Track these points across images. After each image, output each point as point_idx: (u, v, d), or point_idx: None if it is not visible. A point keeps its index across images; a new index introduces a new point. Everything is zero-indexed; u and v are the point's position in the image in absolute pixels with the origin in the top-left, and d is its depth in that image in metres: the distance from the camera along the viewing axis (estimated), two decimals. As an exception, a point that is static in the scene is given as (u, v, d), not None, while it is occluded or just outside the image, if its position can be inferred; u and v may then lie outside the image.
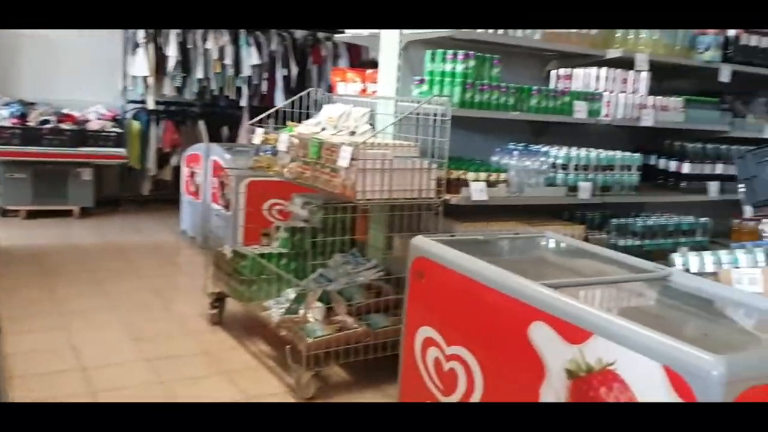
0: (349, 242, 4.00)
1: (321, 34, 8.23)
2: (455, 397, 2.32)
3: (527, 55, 4.04)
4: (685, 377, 1.64)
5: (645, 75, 4.03)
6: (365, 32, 4.00)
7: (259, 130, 4.06)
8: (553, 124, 3.97)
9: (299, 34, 8.13)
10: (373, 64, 7.42)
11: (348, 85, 4.31)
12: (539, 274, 2.26)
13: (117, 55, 7.31)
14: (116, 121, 7.11)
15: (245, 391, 3.30)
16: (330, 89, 7.89)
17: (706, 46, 4.25)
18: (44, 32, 7.02)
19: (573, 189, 3.74)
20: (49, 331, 3.84)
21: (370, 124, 3.83)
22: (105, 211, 7.18)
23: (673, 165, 4.42)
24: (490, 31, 3.54)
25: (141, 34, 7.05)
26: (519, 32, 3.64)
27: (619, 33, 4.03)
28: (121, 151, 6.93)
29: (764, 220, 2.93)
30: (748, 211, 2.50)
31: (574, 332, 1.91)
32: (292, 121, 4.10)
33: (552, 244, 2.86)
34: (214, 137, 7.62)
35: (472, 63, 3.43)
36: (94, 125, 6.87)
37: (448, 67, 3.42)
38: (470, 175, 3.37)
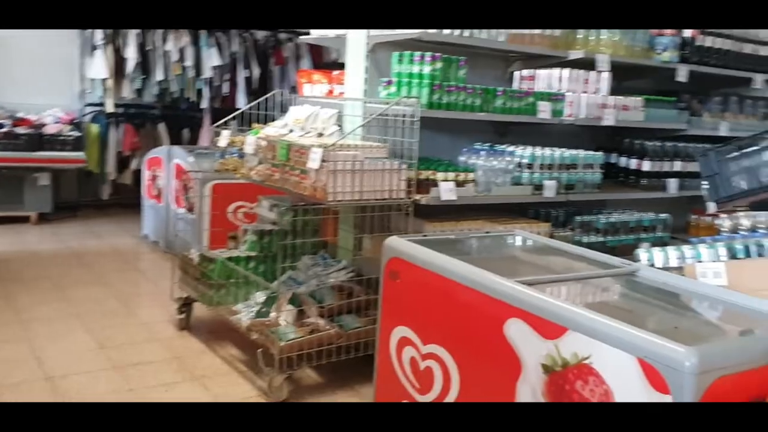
0: (317, 244, 3.99)
1: (282, 35, 8.20)
2: (432, 395, 2.35)
3: (491, 56, 4.10)
4: (659, 369, 1.69)
5: (606, 75, 4.13)
6: (331, 34, 4.01)
7: (225, 133, 4.04)
8: (517, 124, 4.04)
9: (260, 35, 8.08)
10: (336, 65, 7.44)
11: (314, 87, 4.31)
12: (512, 271, 2.30)
13: (74, 57, 7.17)
14: (74, 124, 6.97)
15: (218, 396, 3.27)
16: (293, 90, 7.91)
17: (664, 47, 4.38)
18: (-3, 33, 6.86)
19: (538, 187, 3.81)
20: (10, 342, 3.75)
21: (338, 126, 3.84)
22: (63, 216, 7.03)
23: (633, 163, 4.53)
24: (456, 32, 3.57)
25: (99, 35, 6.92)
26: (484, 34, 3.69)
27: (580, 34, 4.11)
28: (80, 155, 6.80)
29: (722, 216, 3.02)
30: (711, 207, 2.58)
31: (549, 328, 1.95)
32: (255, 123, 4.07)
33: (522, 241, 2.91)
34: (175, 140, 7.55)
35: (439, 65, 3.46)
36: (51, 129, 6.72)
37: (415, 68, 3.44)
38: (439, 176, 3.40)
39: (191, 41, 7.38)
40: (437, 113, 3.47)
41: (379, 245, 3.48)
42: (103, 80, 7.03)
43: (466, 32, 3.62)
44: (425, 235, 2.77)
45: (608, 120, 4.12)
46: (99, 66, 6.97)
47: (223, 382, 3.43)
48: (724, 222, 3.01)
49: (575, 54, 4.02)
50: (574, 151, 3.99)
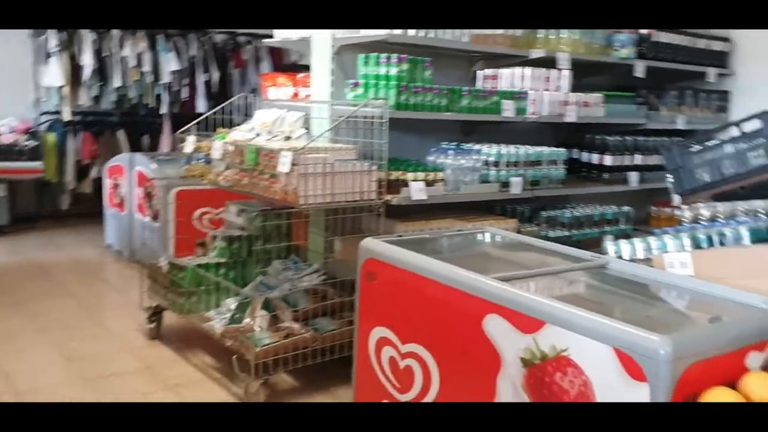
0: (287, 248, 3.99)
1: (241, 38, 8.14)
2: (412, 394, 2.37)
3: (455, 56, 4.15)
4: (635, 357, 1.74)
5: (567, 73, 4.21)
6: (295, 36, 4.00)
7: (191, 139, 4.00)
8: (482, 123, 4.10)
9: (219, 38, 8.01)
10: (297, 67, 7.41)
11: (279, 90, 4.30)
12: (488, 268, 2.34)
13: (27, 65, 7.00)
14: (30, 133, 6.80)
15: (193, 404, 3.24)
16: (254, 92, 7.86)
17: (621, 44, 4.49)
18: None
19: (505, 185, 3.87)
20: (-25, 357, 3.67)
21: (305, 129, 3.84)
22: (21, 228, 6.86)
23: (595, 158, 4.63)
24: (421, 34, 3.61)
25: (53, 42, 6.77)
26: (448, 35, 3.73)
27: (541, 34, 4.19)
28: (37, 164, 6.64)
29: (683, 207, 3.12)
30: (676, 199, 2.66)
31: (527, 322, 1.99)
32: (216, 127, 4.04)
33: (494, 238, 2.96)
34: (135, 147, 7.43)
35: (405, 66, 3.49)
36: (6, 139, 6.55)
37: (382, 70, 3.47)
38: (409, 176, 3.43)
39: (148, 46, 7.27)
40: (405, 114, 3.50)
41: (351, 247, 3.50)
42: (59, 88, 6.89)
43: (431, 33, 3.67)
44: (400, 236, 2.79)
45: (570, 117, 4.21)
46: (54, 73, 6.82)
47: (198, 390, 3.40)
48: (685, 213, 3.10)
49: (536, 53, 4.09)
50: (538, 148, 4.07)
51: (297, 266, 3.89)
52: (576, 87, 4.36)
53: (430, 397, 2.30)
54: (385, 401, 2.50)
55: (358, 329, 2.62)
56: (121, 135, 7.47)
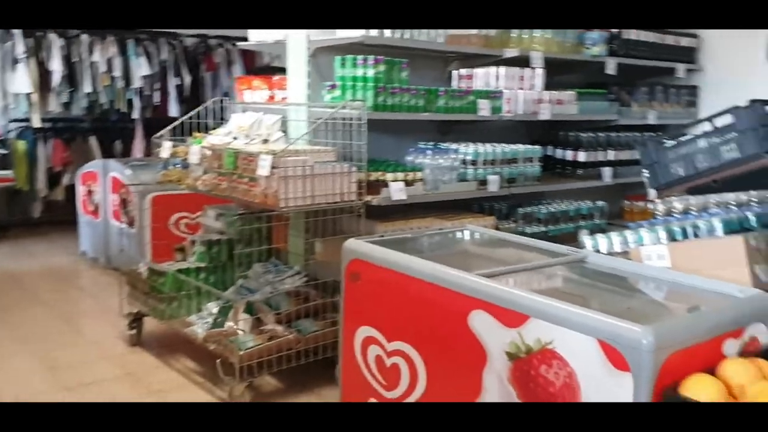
0: (267, 251, 3.99)
1: (213, 41, 8.10)
2: (399, 391, 2.40)
3: (430, 57, 4.19)
4: (618, 348, 1.79)
5: (540, 72, 4.28)
6: (270, 39, 4.00)
7: (167, 143, 3.98)
8: (458, 122, 4.15)
9: (190, 41, 7.96)
10: (270, 70, 7.39)
11: (255, 93, 4.30)
12: (471, 265, 2.37)
13: (-6, 72, 6.88)
14: (-1, 141, 6.71)
15: (178, 410, 3.23)
16: (226, 95, 7.82)
17: (593, 42, 4.57)
18: None
19: (483, 183, 3.92)
20: (-47, 370, 3.61)
21: (282, 131, 3.85)
22: (-8, 237, 6.76)
23: (569, 154, 4.71)
24: (397, 35, 3.64)
25: (20, 48, 6.66)
26: (423, 36, 3.77)
27: (514, 33, 4.25)
28: (7, 173, 6.56)
29: (657, 201, 3.19)
30: (652, 193, 2.73)
31: (512, 317, 2.03)
32: (189, 132, 4.03)
33: (475, 236, 3.00)
34: (107, 153, 7.35)
35: (382, 67, 3.52)
36: (-26, 147, 6.44)
37: (359, 72, 3.49)
38: (389, 176, 3.46)
39: (118, 51, 7.20)
40: (383, 115, 3.52)
41: (332, 248, 3.52)
42: (28, 95, 6.78)
43: (407, 34, 3.70)
44: (383, 235, 2.82)
45: (544, 114, 4.27)
46: (22, 80, 6.70)
47: (182, 394, 3.39)
48: (658, 206, 3.18)
49: (510, 52, 4.15)
50: (514, 146, 4.12)
51: (278, 269, 3.89)
52: (549, 85, 4.43)
53: (417, 393, 2.33)
54: (373, 399, 2.52)
55: (343, 329, 2.64)
56: (93, 141, 7.39)
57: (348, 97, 3.52)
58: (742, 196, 2.95)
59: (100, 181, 5.78)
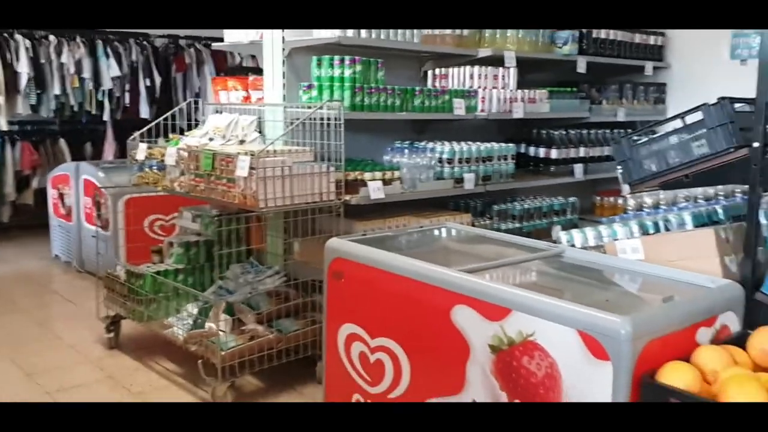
0: (244, 252, 3.99)
1: (183, 41, 8.05)
2: (384, 386, 2.44)
3: (405, 57, 4.23)
4: (598, 338, 1.85)
5: (513, 71, 4.35)
6: (245, 40, 4.01)
7: (142, 145, 3.97)
8: (434, 121, 4.20)
9: (159, 42, 7.90)
10: (242, 70, 7.36)
11: (230, 94, 4.30)
12: (453, 261, 2.43)
13: (-42, 75, 6.75)
14: (-34, 145, 6.58)
15: (160, 412, 3.23)
16: (197, 96, 7.78)
17: (564, 41, 4.66)
18: None
19: (459, 181, 3.98)
20: (-73, 377, 3.56)
21: (258, 132, 3.86)
22: (-39, 243, 6.64)
23: (542, 152, 4.79)
24: (373, 35, 3.68)
25: (-15, 50, 6.56)
26: (399, 36, 3.81)
27: (487, 33, 4.31)
28: (-25, 177, 6.44)
29: (628, 196, 3.28)
30: (625, 189, 2.81)
31: (494, 311, 2.08)
32: (160, 133, 4.02)
33: (454, 233, 3.05)
34: (78, 155, 7.26)
35: (358, 68, 3.55)
36: (-60, 151, 6.31)
37: (336, 72, 3.52)
38: (367, 175, 3.50)
39: (87, 52, 7.12)
40: (360, 115, 3.56)
41: (310, 248, 3.55)
42: (-6, 97, 6.68)
43: (382, 35, 3.74)
44: (365, 234, 2.86)
45: (517, 113, 4.35)
46: (-13, 82, 6.61)
47: (164, 396, 3.39)
48: (629, 201, 3.26)
49: (484, 52, 4.21)
50: (488, 144, 4.19)
51: (256, 269, 3.90)
52: (521, 84, 4.51)
53: (401, 388, 2.37)
54: (357, 395, 2.55)
55: (326, 327, 2.67)
56: (63, 144, 7.29)
57: (325, 98, 3.55)
58: (710, 190, 3.05)
59: (72, 184, 5.72)
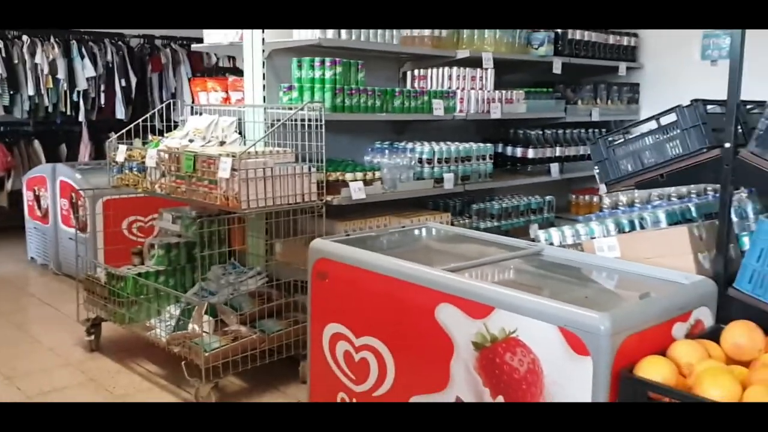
0: (226, 253, 4.00)
1: (158, 41, 8.00)
2: (369, 383, 2.48)
3: (384, 58, 4.28)
4: (578, 334, 1.91)
5: (491, 72, 4.41)
6: (225, 41, 4.02)
7: (122, 147, 3.96)
8: (412, 122, 4.25)
9: (134, 42, 7.84)
10: (219, 70, 7.32)
11: (210, 95, 4.30)
12: (436, 260, 2.47)
13: (-71, 75, 6.66)
14: (-63, 147, 6.48)
15: (144, 413, 3.23)
16: (173, 97, 7.73)
17: (540, 42, 4.74)
18: None
19: (438, 180, 4.03)
20: None
21: (238, 133, 3.87)
22: (-66, 246, 6.53)
23: (519, 151, 4.87)
24: (353, 37, 3.71)
25: (-43, 50, 6.47)
26: (378, 38, 3.85)
27: (465, 35, 4.37)
28: (-53, 179, 6.34)
29: (604, 194, 3.35)
30: (603, 188, 2.87)
31: (477, 309, 2.13)
32: (138, 134, 4.01)
33: (434, 233, 3.10)
34: (53, 156, 7.18)
35: (339, 69, 3.58)
36: None
37: (317, 73, 3.55)
38: (348, 176, 3.53)
39: (62, 53, 7.05)
40: (341, 116, 3.59)
41: (292, 249, 3.58)
42: (-35, 98, 6.59)
43: (362, 36, 3.77)
44: (348, 235, 2.89)
45: (495, 113, 4.41)
46: (-41, 83, 6.52)
47: (147, 398, 3.39)
48: (605, 200, 3.34)
49: (462, 53, 4.27)
50: (467, 145, 4.25)
51: (237, 270, 3.91)
52: (498, 84, 4.57)
53: (386, 385, 2.42)
54: (342, 393, 2.59)
55: (311, 327, 2.70)
56: (38, 145, 7.21)
57: (305, 99, 3.57)
58: (683, 189, 3.14)
59: (49, 186, 5.66)
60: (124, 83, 7.59)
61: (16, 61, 6.82)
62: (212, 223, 3.77)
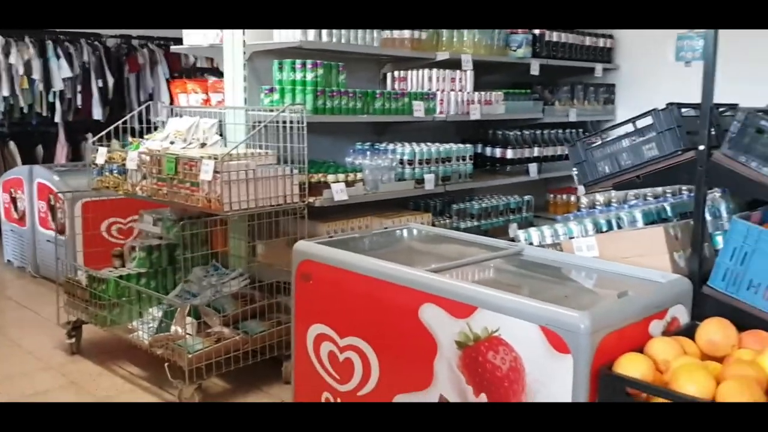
0: (208, 255, 4.00)
1: (135, 41, 7.94)
2: (353, 383, 2.50)
3: (365, 60, 4.30)
4: (559, 332, 1.95)
5: (470, 74, 4.46)
6: (205, 43, 4.02)
7: (102, 149, 3.94)
8: (393, 123, 4.28)
9: (111, 42, 7.78)
10: (197, 71, 7.28)
11: (190, 96, 4.30)
12: (419, 261, 2.51)
13: None
14: None
15: (127, 416, 3.23)
16: (150, 97, 7.68)
17: (518, 44, 4.80)
18: None
19: (419, 181, 4.08)
20: None
21: (219, 135, 3.87)
22: None
23: (498, 152, 4.93)
24: (334, 40, 3.74)
25: (-70, 51, 6.37)
26: (359, 40, 3.88)
27: (445, 37, 4.42)
28: None
29: (582, 194, 3.42)
30: (581, 189, 2.93)
31: (460, 308, 2.17)
32: (112, 136, 4.00)
33: (416, 233, 3.14)
34: (29, 158, 7.10)
35: (320, 71, 3.61)
36: None
37: (298, 76, 3.57)
38: (330, 177, 3.56)
39: (37, 53, 6.97)
40: (322, 118, 3.62)
41: (274, 250, 3.60)
42: (-61, 99, 6.49)
43: (343, 39, 3.80)
44: (332, 236, 2.92)
45: (475, 114, 4.47)
46: (-68, 84, 6.42)
47: (130, 400, 3.39)
48: (582, 200, 3.41)
49: (442, 55, 4.31)
50: (447, 146, 4.29)
51: (219, 272, 3.92)
52: (476, 85, 4.62)
53: (371, 385, 2.45)
54: (326, 393, 2.62)
55: (295, 328, 2.73)
56: (13, 146, 7.13)
57: (287, 101, 3.59)
58: (658, 189, 3.21)
59: (26, 188, 5.61)
60: (101, 83, 7.51)
61: (-10, 62, 6.74)
62: (194, 225, 3.78)
